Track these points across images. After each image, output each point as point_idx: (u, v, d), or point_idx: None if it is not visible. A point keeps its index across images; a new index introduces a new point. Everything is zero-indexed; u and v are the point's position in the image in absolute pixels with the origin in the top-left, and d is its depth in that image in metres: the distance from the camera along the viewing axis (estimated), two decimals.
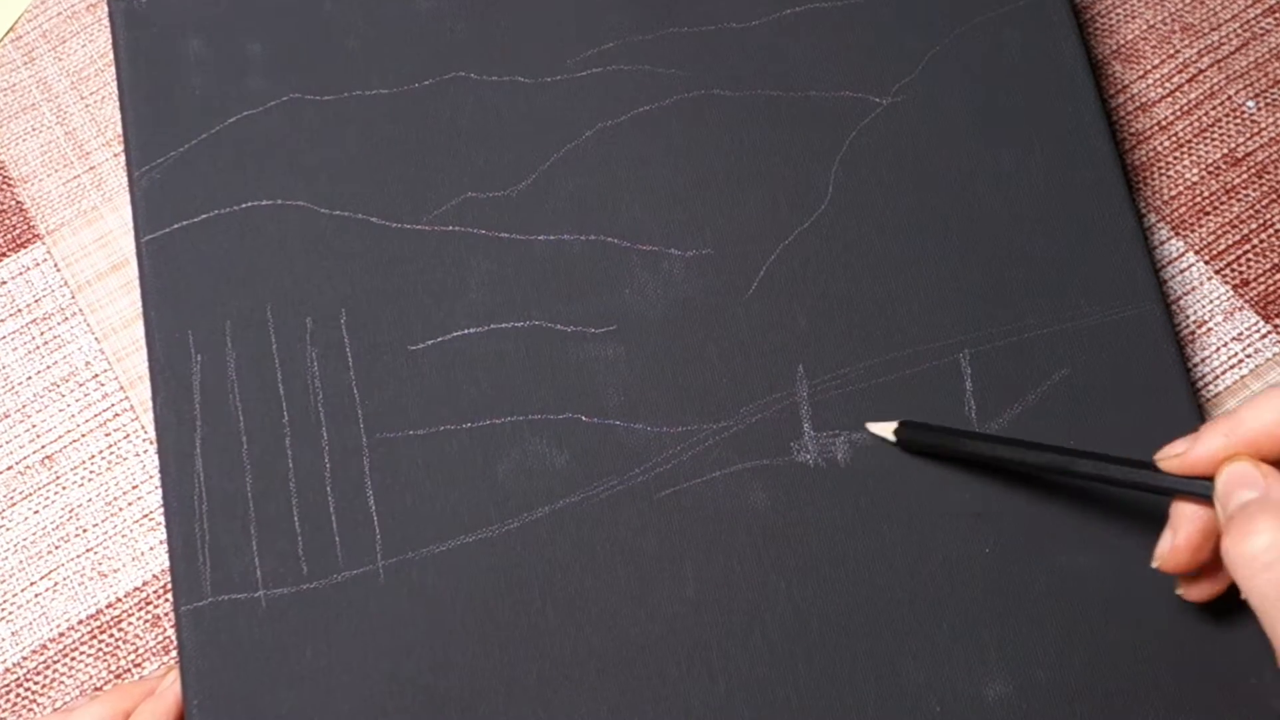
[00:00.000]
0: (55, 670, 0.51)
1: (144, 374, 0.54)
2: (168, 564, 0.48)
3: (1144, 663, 0.45)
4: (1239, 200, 0.55)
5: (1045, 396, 0.48)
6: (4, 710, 0.50)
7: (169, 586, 0.51)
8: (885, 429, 0.47)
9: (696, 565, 0.46)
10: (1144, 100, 0.57)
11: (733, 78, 0.51)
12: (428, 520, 0.47)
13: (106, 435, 0.54)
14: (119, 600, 0.52)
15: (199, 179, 0.50)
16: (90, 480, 0.53)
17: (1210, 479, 0.38)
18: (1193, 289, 0.54)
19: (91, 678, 0.51)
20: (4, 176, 0.58)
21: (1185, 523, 0.40)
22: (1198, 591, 0.42)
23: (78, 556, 0.52)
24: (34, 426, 0.54)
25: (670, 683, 0.45)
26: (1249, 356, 0.52)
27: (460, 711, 0.45)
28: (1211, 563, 0.41)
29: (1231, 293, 0.54)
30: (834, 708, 0.45)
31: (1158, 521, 0.46)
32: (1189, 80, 0.57)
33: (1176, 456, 0.39)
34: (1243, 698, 0.45)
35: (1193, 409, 0.48)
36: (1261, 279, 0.54)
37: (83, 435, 0.54)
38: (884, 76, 0.51)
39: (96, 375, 0.55)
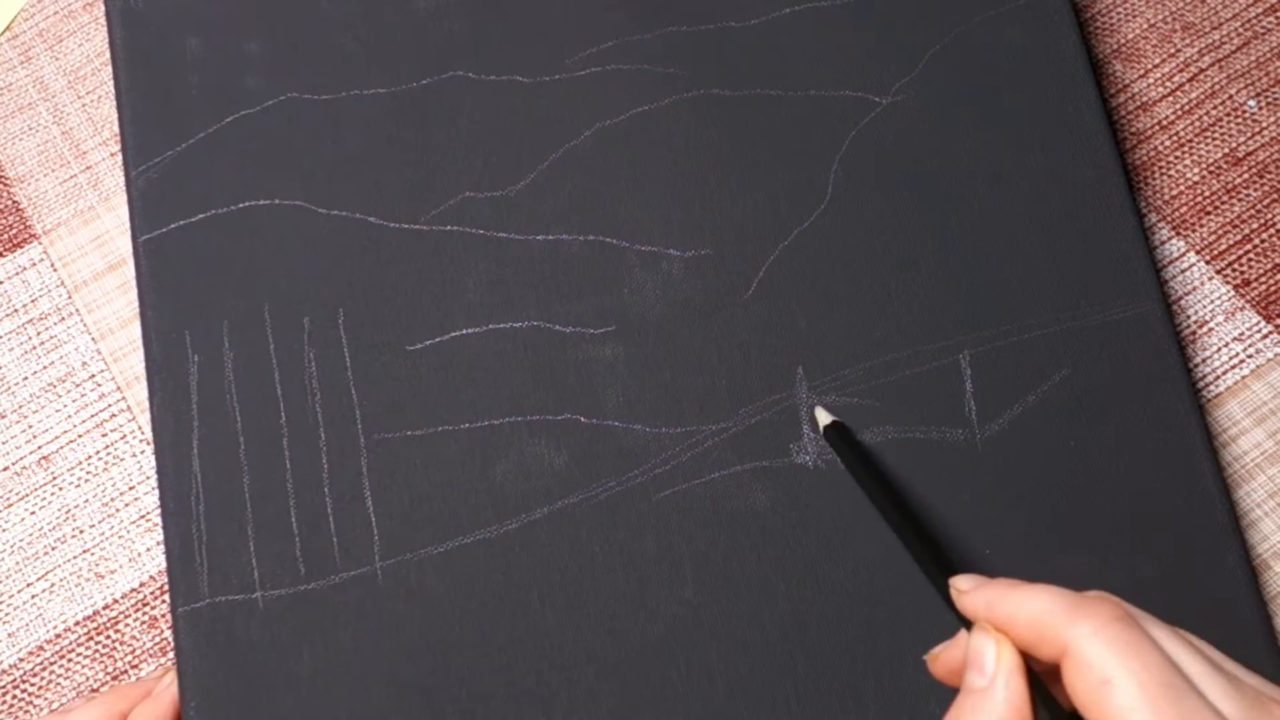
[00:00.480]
0: (52, 672, 0.51)
1: (141, 374, 0.54)
2: (165, 565, 0.48)
3: None
4: (1240, 200, 0.55)
5: (1046, 397, 0.48)
6: (1, 712, 0.50)
7: (166, 588, 0.51)
8: (825, 417, 0.47)
9: (696, 567, 0.46)
10: (1145, 99, 0.57)
11: (732, 77, 0.51)
12: (426, 521, 0.47)
13: (103, 436, 0.54)
14: (116, 601, 0.52)
15: (196, 178, 0.50)
16: (87, 481, 0.53)
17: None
18: (1194, 289, 0.54)
19: (88, 679, 0.51)
20: (0, 176, 0.58)
21: (954, 653, 0.39)
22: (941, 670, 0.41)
23: (74, 558, 0.52)
24: (30, 427, 0.54)
25: (670, 685, 0.45)
26: (1250, 357, 0.52)
27: (458, 714, 0.45)
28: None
29: (1233, 293, 0.54)
30: (834, 710, 0.45)
31: (1159, 524, 0.46)
32: (1190, 79, 0.57)
33: (961, 593, 0.39)
34: None
35: (1193, 409, 0.48)
36: (1263, 279, 0.54)
37: (79, 436, 0.54)
38: (884, 75, 0.51)
39: (93, 375, 0.55)
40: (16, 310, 0.56)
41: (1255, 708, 0.33)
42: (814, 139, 0.51)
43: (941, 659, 0.39)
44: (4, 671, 0.51)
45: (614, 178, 0.50)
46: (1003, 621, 0.36)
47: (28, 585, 0.52)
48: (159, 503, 0.47)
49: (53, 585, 0.52)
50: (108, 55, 0.56)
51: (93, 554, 0.52)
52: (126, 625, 0.51)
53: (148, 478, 0.53)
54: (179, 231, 0.50)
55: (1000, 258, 0.49)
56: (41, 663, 0.51)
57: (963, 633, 0.39)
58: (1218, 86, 0.57)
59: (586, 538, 0.46)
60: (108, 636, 0.51)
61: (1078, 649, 0.34)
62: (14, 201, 0.58)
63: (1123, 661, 0.33)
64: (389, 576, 0.46)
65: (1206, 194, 0.55)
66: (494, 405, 0.48)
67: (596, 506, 0.47)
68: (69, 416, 0.54)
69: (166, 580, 0.47)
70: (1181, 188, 0.56)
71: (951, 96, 0.51)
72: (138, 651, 0.51)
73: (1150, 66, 0.58)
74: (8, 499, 0.53)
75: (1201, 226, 0.55)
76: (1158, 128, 0.57)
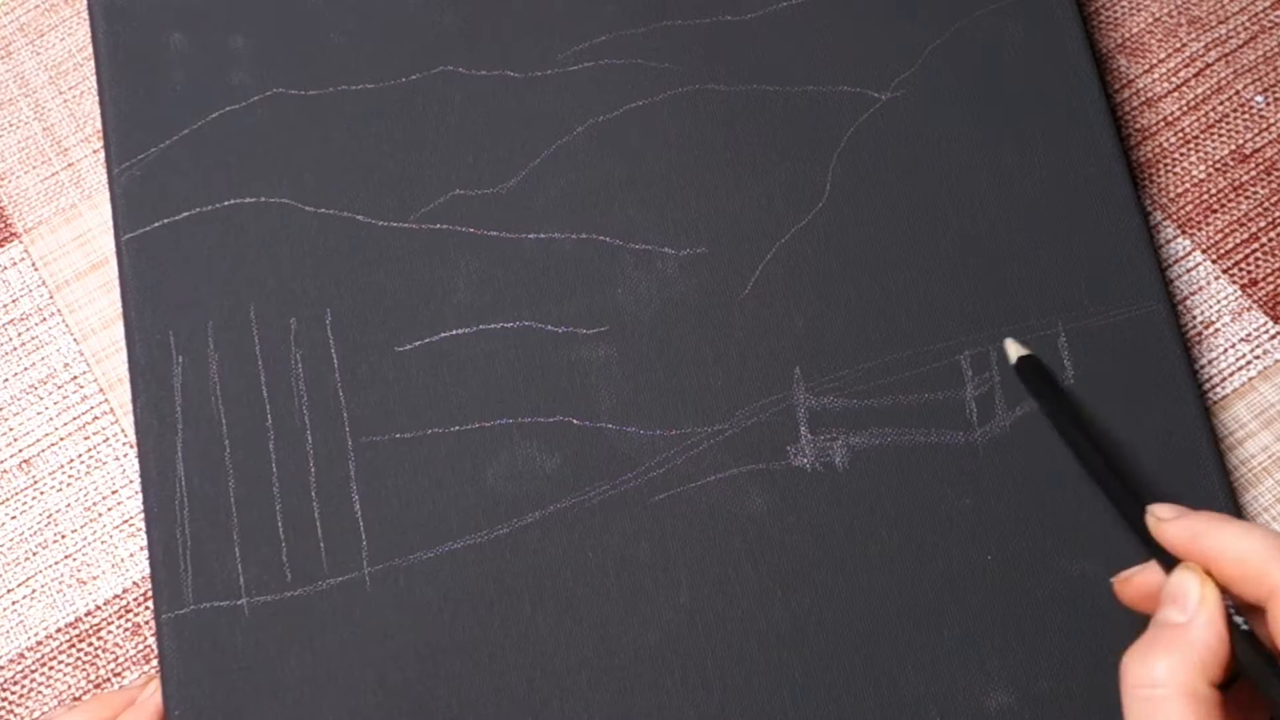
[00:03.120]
0: (33, 680, 0.51)
1: (124, 376, 0.54)
2: (148, 571, 0.47)
3: None
4: (1247, 198, 0.55)
5: None
6: None
7: (150, 594, 0.51)
8: (1018, 349, 0.47)
9: (691, 572, 0.46)
10: (1149, 95, 0.57)
11: (728, 72, 0.51)
12: (415, 526, 0.47)
13: (86, 439, 0.54)
14: (98, 608, 0.52)
15: (180, 176, 0.50)
16: (69, 485, 0.53)
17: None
18: (1199, 288, 0.54)
19: (70, 687, 0.51)
20: None
21: (1151, 575, 0.40)
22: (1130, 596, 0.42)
23: (56, 563, 0.52)
24: (11, 430, 0.54)
25: (664, 692, 0.45)
26: (1257, 358, 0.53)
27: None
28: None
29: (1239, 292, 0.54)
30: (832, 718, 0.45)
31: None
32: (1196, 75, 0.57)
33: (1160, 520, 0.39)
34: None
35: (1199, 412, 0.48)
36: (1270, 278, 0.54)
37: (61, 439, 0.54)
38: (883, 71, 0.52)
39: (75, 377, 0.55)
40: None
41: None
42: (812, 135, 0.51)
43: (1134, 583, 0.40)
44: None
45: (607, 175, 0.50)
46: (1208, 556, 0.37)
47: (8, 591, 0.52)
48: (142, 507, 0.47)
49: (34, 591, 0.52)
50: (90, 50, 0.56)
51: (75, 559, 0.52)
52: (109, 632, 0.51)
53: (131, 481, 0.53)
54: (163, 230, 0.50)
55: (1002, 257, 0.49)
56: (22, 670, 0.51)
57: (1155, 564, 0.39)
58: (1224, 82, 0.57)
59: (579, 542, 0.46)
60: (90, 644, 0.51)
61: None
62: None
63: None
64: (377, 582, 0.46)
65: (1213, 191, 0.55)
66: (485, 407, 0.48)
67: (589, 511, 0.47)
68: (50, 419, 0.54)
69: (150, 586, 0.47)
70: (1187, 185, 0.56)
71: (952, 92, 0.51)
72: (121, 659, 0.51)
73: (1155, 61, 0.58)
74: None
75: (1208, 225, 0.55)
76: (1163, 124, 0.57)
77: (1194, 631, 0.36)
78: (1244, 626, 0.36)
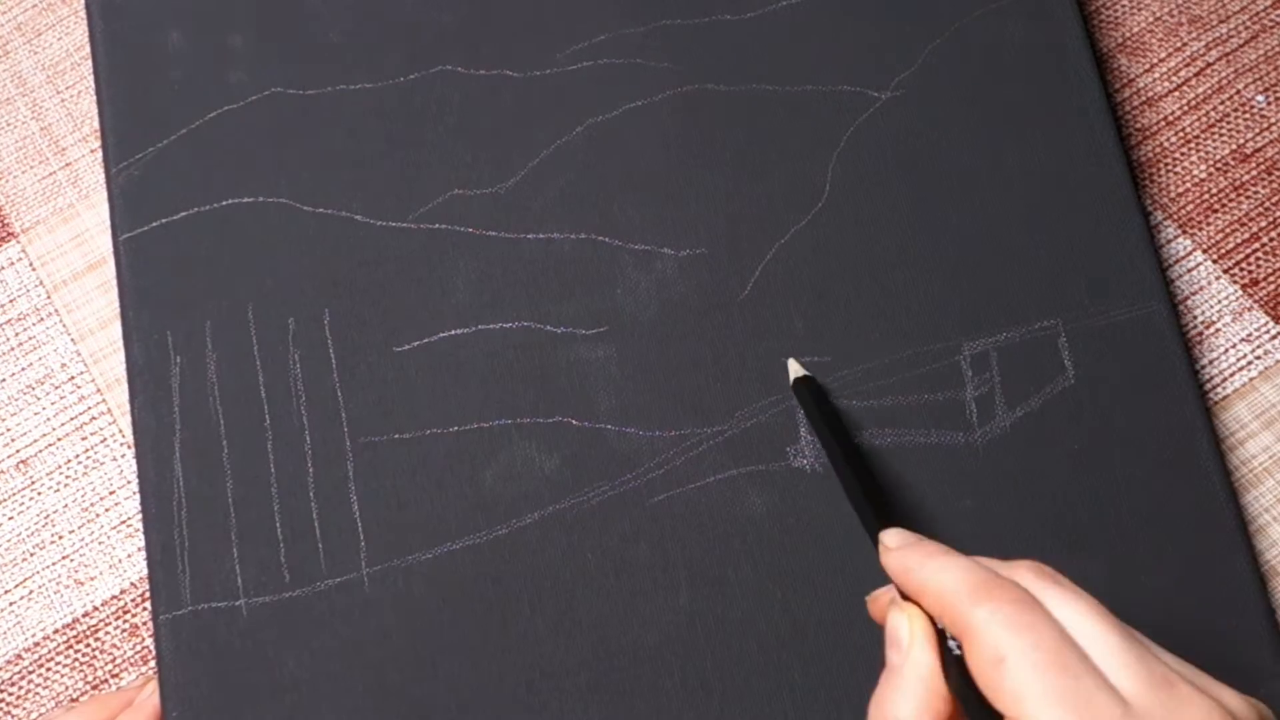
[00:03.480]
0: (30, 681, 0.51)
1: (122, 376, 0.54)
2: (146, 572, 0.47)
3: None
4: (1248, 197, 0.55)
5: (1048, 399, 0.48)
6: None
7: (147, 595, 0.51)
8: (797, 369, 0.47)
9: (690, 573, 0.46)
10: (1150, 95, 0.57)
11: (727, 72, 0.51)
12: (413, 527, 0.47)
13: (83, 439, 0.54)
14: (96, 609, 0.52)
15: (178, 176, 0.50)
16: (66, 485, 0.53)
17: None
18: (1200, 288, 0.54)
19: (68, 689, 0.51)
20: None
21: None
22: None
23: (53, 564, 0.52)
24: (8, 430, 0.54)
25: (663, 694, 0.45)
26: (1258, 358, 0.53)
27: None
28: None
29: (1240, 292, 0.54)
30: None
31: (1165, 529, 0.46)
32: (1196, 74, 0.57)
33: (886, 549, 0.39)
34: None
35: (1200, 412, 0.48)
36: (1271, 278, 0.54)
37: (59, 439, 0.54)
38: (883, 70, 0.52)
39: (73, 378, 0.55)
40: None
41: (1160, 686, 0.33)
42: (811, 135, 0.51)
43: (880, 603, 0.40)
44: None
45: (606, 175, 0.50)
46: (915, 590, 0.37)
47: (5, 592, 0.52)
48: (140, 508, 0.47)
49: (31, 592, 0.52)
50: (88, 49, 0.56)
51: (72, 560, 0.52)
52: (107, 633, 0.51)
53: (129, 482, 0.53)
54: (161, 230, 0.50)
55: (1002, 257, 0.49)
56: (20, 671, 0.51)
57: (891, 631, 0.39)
58: (1225, 81, 0.57)
59: (578, 543, 0.46)
60: (88, 645, 0.51)
61: (975, 630, 0.34)
62: None
63: (1016, 641, 0.33)
64: (376, 583, 0.46)
65: (1213, 191, 0.55)
66: (483, 408, 0.48)
67: (588, 512, 0.47)
68: (48, 419, 0.54)
69: (148, 587, 0.47)
70: (1188, 185, 0.56)
71: (952, 92, 0.51)
72: (118, 660, 0.51)
73: (1156, 61, 0.58)
74: None
75: (1208, 224, 0.55)
76: (1163, 123, 0.57)
77: (910, 670, 0.36)
78: (956, 652, 0.36)
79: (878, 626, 0.40)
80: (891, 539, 0.39)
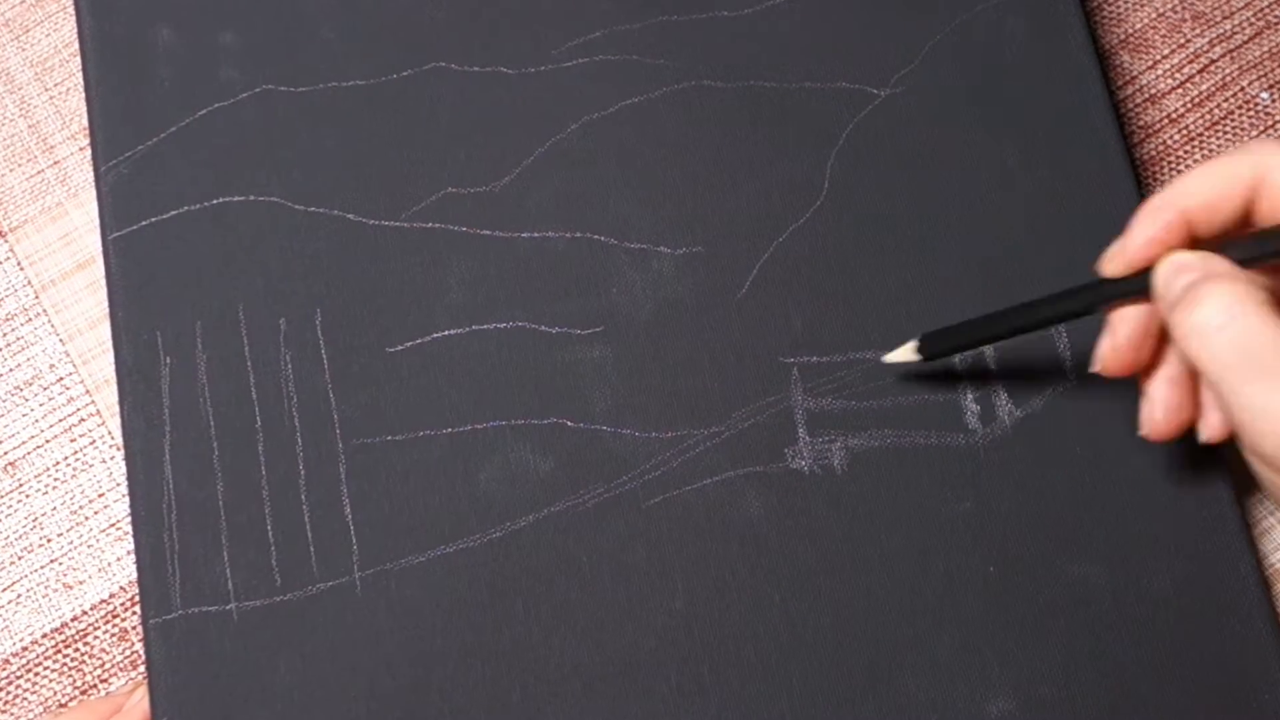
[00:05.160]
0: (18, 686, 0.51)
1: (111, 377, 0.54)
2: (135, 575, 0.48)
3: (1151, 678, 0.45)
4: None
5: (1050, 400, 0.48)
6: None
7: (137, 599, 0.51)
8: (907, 351, 0.47)
9: (687, 576, 0.46)
10: (1153, 92, 0.57)
11: (724, 68, 0.51)
12: (406, 530, 0.47)
13: (71, 441, 0.54)
14: (85, 613, 0.52)
15: (168, 174, 0.50)
16: (54, 488, 0.53)
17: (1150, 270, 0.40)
18: None
19: (56, 694, 0.51)
20: None
21: (1124, 323, 0.41)
22: (1162, 422, 0.42)
23: (41, 568, 0.52)
24: None
25: (660, 699, 0.45)
26: None
27: None
28: (1173, 392, 0.42)
29: None
30: None
31: (1168, 532, 0.46)
32: (1200, 71, 0.58)
33: (1117, 256, 0.40)
34: (1251, 713, 0.45)
35: None
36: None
37: (47, 441, 0.54)
38: (882, 67, 0.52)
39: (61, 379, 0.55)
40: None
41: None
42: (809, 132, 0.51)
43: (1119, 341, 0.41)
44: None
45: (602, 173, 0.50)
46: (1180, 214, 0.38)
47: None
48: (129, 510, 0.47)
49: (19, 596, 0.52)
50: (76, 46, 0.56)
51: (60, 564, 0.52)
52: (96, 638, 0.51)
53: (118, 484, 0.53)
54: (150, 229, 0.50)
55: (1003, 256, 0.50)
56: (7, 677, 0.51)
57: (1118, 318, 0.41)
58: (1229, 78, 0.57)
59: (573, 546, 0.47)
60: (76, 649, 0.51)
61: (1276, 162, 0.37)
62: None
63: None
64: (368, 587, 0.46)
65: None
66: (477, 409, 0.48)
67: (584, 514, 0.47)
68: (36, 421, 0.54)
69: (137, 591, 0.47)
70: None
71: (953, 89, 0.51)
72: (107, 665, 0.51)
73: (1159, 58, 0.58)
74: None
75: None
76: (1167, 121, 0.57)
77: (1216, 265, 0.37)
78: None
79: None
80: (1110, 251, 0.40)
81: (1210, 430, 0.42)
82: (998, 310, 0.45)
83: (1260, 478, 0.37)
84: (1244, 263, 0.38)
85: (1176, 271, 0.38)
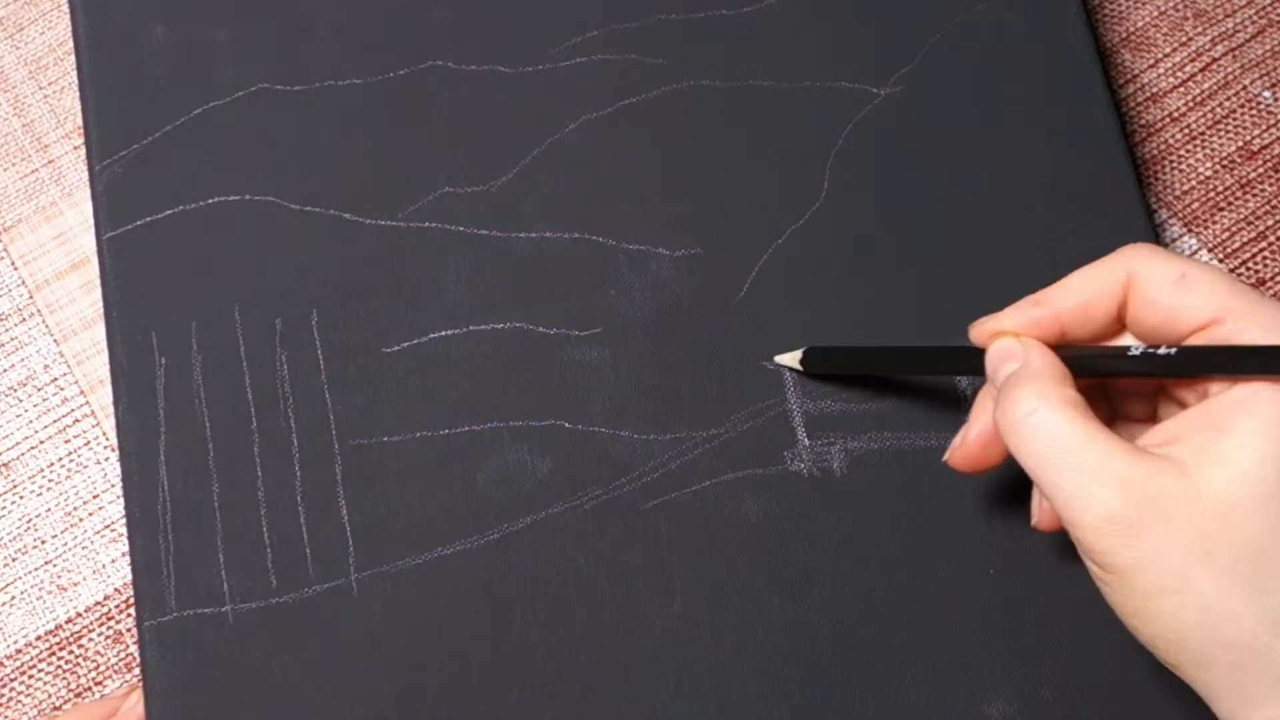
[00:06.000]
0: (12, 689, 0.51)
1: (105, 378, 0.54)
2: (130, 577, 0.48)
3: (1153, 681, 0.45)
4: (1255, 195, 0.55)
5: None
6: None
7: (131, 601, 0.51)
8: (793, 358, 0.48)
9: (685, 580, 0.46)
10: (1155, 90, 0.57)
11: (723, 67, 0.51)
12: (403, 531, 0.47)
13: (66, 442, 0.54)
14: (79, 615, 0.52)
15: (163, 173, 0.50)
16: (49, 489, 0.53)
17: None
18: None
19: (50, 697, 0.51)
20: None
21: (980, 419, 0.42)
22: (974, 450, 0.43)
23: (36, 569, 0.52)
24: None
25: (658, 703, 0.45)
26: None
27: None
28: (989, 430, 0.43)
29: None
30: None
31: None
32: (1202, 69, 0.58)
33: (983, 330, 0.42)
34: None
35: None
36: (1279, 278, 0.54)
37: (41, 442, 0.54)
38: (882, 66, 0.52)
39: (55, 379, 0.55)
40: None
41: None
42: (809, 132, 0.51)
43: (970, 437, 0.42)
44: None
45: (600, 173, 0.50)
46: (1054, 313, 0.40)
47: None
48: (124, 512, 0.47)
49: (13, 598, 0.52)
50: (70, 44, 0.56)
51: (55, 566, 0.52)
52: (90, 640, 0.51)
53: (112, 486, 0.53)
54: (145, 229, 0.50)
55: (1003, 256, 0.50)
56: (1, 680, 0.51)
57: (978, 414, 0.42)
58: (1231, 77, 0.57)
59: (571, 549, 0.47)
60: (70, 652, 0.51)
61: (1145, 267, 0.39)
62: None
63: (1194, 262, 0.39)
64: (364, 589, 0.46)
65: (1219, 189, 0.56)
66: (475, 410, 0.48)
67: (582, 516, 0.47)
68: (30, 422, 0.54)
69: (132, 593, 0.47)
70: (1193, 183, 0.56)
71: (953, 88, 0.51)
72: (102, 668, 0.51)
73: (1160, 56, 0.58)
74: None
75: (1214, 223, 0.55)
76: (1168, 120, 0.57)
77: (1033, 361, 0.39)
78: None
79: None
80: (986, 323, 0.42)
81: (1040, 517, 0.43)
82: (881, 346, 0.48)
83: (1090, 570, 0.38)
84: (1078, 371, 0.39)
85: (1002, 358, 0.40)
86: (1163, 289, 0.38)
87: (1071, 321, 0.40)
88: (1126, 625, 0.38)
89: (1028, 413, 0.37)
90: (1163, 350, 0.38)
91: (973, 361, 0.42)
